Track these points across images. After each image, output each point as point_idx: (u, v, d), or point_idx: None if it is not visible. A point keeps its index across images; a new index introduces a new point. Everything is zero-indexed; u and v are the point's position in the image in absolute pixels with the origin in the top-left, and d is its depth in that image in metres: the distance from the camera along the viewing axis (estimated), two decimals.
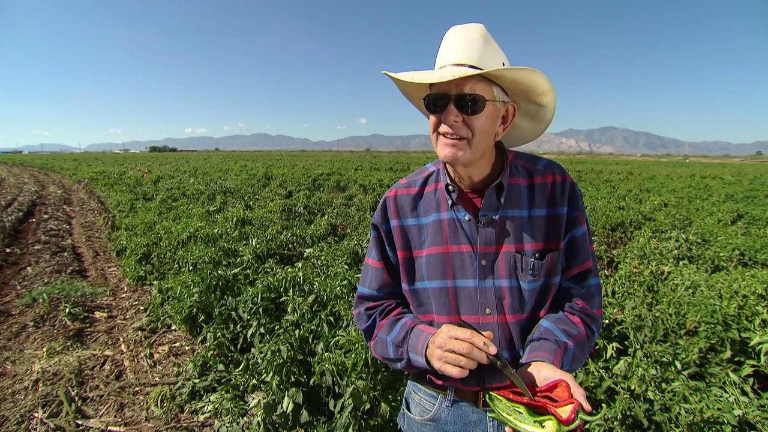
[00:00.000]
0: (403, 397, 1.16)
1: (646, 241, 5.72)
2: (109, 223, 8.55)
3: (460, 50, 0.88)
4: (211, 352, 2.78)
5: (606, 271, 4.89)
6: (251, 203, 10.15)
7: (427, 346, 0.90)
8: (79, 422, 2.54)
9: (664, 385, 2.33)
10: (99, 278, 5.36)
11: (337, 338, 1.94)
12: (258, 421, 1.99)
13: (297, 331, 2.22)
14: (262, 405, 1.99)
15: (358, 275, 3.73)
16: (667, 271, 4.48)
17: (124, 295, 4.72)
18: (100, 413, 2.65)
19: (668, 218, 7.51)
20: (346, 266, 4.24)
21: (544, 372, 0.81)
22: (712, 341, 2.93)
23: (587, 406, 0.72)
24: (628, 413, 2.24)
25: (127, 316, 4.15)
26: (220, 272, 3.26)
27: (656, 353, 2.68)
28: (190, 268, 3.82)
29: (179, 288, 3.32)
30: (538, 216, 0.96)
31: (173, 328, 3.69)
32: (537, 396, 0.77)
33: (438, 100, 0.88)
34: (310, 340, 2.21)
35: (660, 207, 9.48)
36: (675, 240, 5.70)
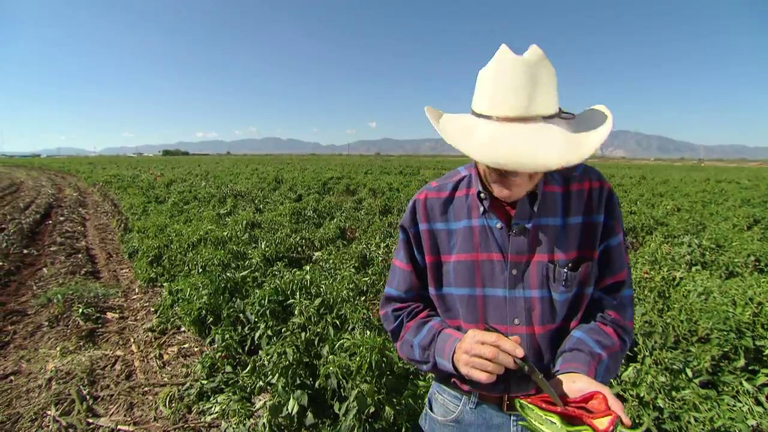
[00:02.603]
0: (426, 398, 1.15)
1: (657, 246, 5.64)
2: (122, 225, 8.71)
3: (515, 99, 0.76)
4: (219, 353, 2.82)
5: None
6: (261, 206, 10.25)
7: (454, 351, 0.88)
8: (90, 421, 2.59)
9: (674, 393, 2.29)
10: (111, 280, 5.46)
11: (342, 341, 1.95)
12: (264, 423, 2.01)
13: (303, 334, 2.24)
14: (267, 407, 2.00)
15: (365, 279, 3.75)
16: (679, 276, 4.40)
17: (135, 297, 4.80)
18: (111, 412, 2.70)
19: (681, 223, 7.38)
20: (353, 270, 4.26)
21: (579, 384, 0.78)
22: (725, 349, 2.87)
23: (627, 420, 0.69)
24: (636, 421, 2.21)
25: (138, 317, 4.22)
26: (228, 275, 3.30)
27: (666, 360, 2.64)
28: (200, 270, 3.87)
29: (189, 290, 3.37)
30: (573, 225, 0.92)
31: (182, 329, 3.74)
32: (571, 406, 0.74)
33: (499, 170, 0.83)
34: (316, 343, 2.23)
35: (673, 212, 9.32)
36: (688, 245, 5.60)
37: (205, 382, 2.72)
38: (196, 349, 3.41)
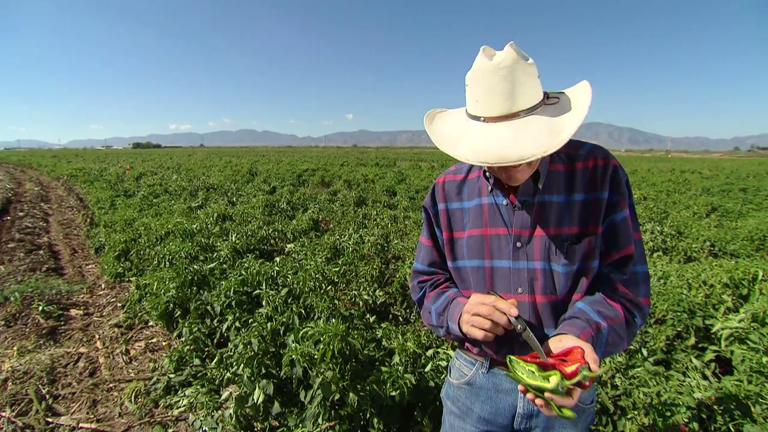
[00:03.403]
0: (448, 366, 1.25)
1: None
2: (89, 220, 8.40)
3: (500, 100, 0.83)
4: (187, 346, 2.77)
5: None
6: (234, 199, 10.07)
7: (461, 315, 0.97)
8: (50, 420, 2.51)
9: (629, 372, 2.40)
10: (76, 276, 5.27)
11: (306, 330, 1.95)
12: (230, 414, 2.00)
13: (269, 324, 2.23)
14: (234, 397, 1.99)
15: (336, 269, 3.76)
16: None
17: (101, 293, 4.66)
18: (72, 411, 2.62)
19: (646, 211, 7.67)
20: (325, 260, 4.25)
21: (564, 342, 0.84)
22: (679, 329, 3.02)
23: (594, 367, 0.76)
24: (596, 399, 2.31)
25: (104, 313, 4.09)
26: (195, 267, 3.24)
27: None
28: (167, 263, 3.78)
29: (156, 284, 3.28)
30: (576, 201, 0.96)
31: (150, 324, 3.66)
32: (552, 358, 0.81)
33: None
34: (281, 333, 2.22)
35: (640, 200, 9.68)
36: (651, 232, 5.84)
37: (172, 375, 2.68)
38: (164, 344, 3.34)
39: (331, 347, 1.77)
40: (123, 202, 9.10)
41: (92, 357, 3.28)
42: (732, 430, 1.94)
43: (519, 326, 0.87)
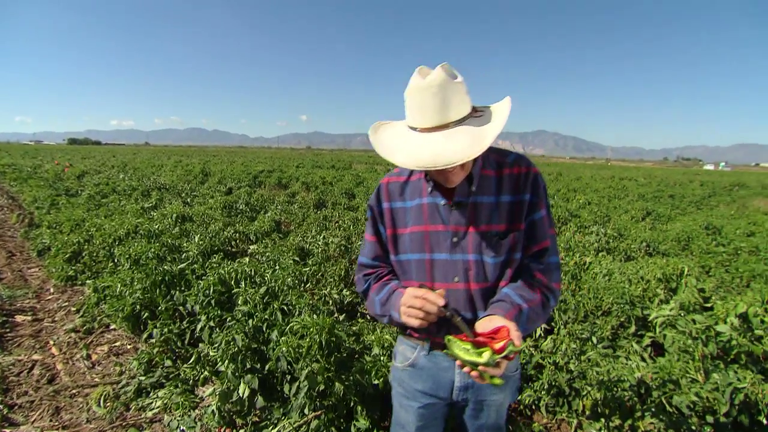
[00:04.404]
0: (393, 351, 1.35)
1: (571, 236, 6.33)
2: (26, 220, 7.77)
3: (433, 113, 0.96)
4: (158, 348, 2.72)
5: None
6: (189, 200, 9.73)
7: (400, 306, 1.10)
8: (7, 431, 2.38)
9: (582, 357, 2.68)
10: (17, 280, 4.89)
11: (292, 324, 2.02)
12: (213, 410, 2.02)
13: (251, 321, 2.27)
14: (216, 393, 2.02)
15: (306, 269, 3.82)
16: (588, 261, 5.02)
17: (50, 297, 4.37)
18: (33, 419, 2.50)
19: (591, 215, 8.31)
20: (293, 261, 4.29)
21: (493, 322, 0.99)
22: (622, 319, 3.38)
23: (518, 342, 0.92)
24: (553, 383, 2.55)
25: (57, 318, 3.86)
26: (166, 267, 3.16)
27: (577, 331, 3.05)
28: (131, 264, 3.65)
29: (119, 285, 3.17)
30: (504, 202, 1.12)
31: (112, 327, 3.51)
32: (483, 337, 0.96)
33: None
34: (264, 329, 2.27)
35: (584, 205, 10.42)
36: (596, 234, 6.37)
37: (143, 378, 2.62)
38: (129, 347, 3.23)
39: (318, 339, 1.86)
40: (67, 201, 8.51)
41: (48, 364, 3.11)
42: (664, 401, 2.24)
43: (448, 313, 1.02)
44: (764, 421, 1.95)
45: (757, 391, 2.05)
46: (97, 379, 2.85)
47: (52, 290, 4.53)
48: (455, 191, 1.11)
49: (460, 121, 0.98)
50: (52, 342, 3.39)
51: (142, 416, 2.43)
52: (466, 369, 0.93)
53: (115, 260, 4.18)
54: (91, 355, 3.17)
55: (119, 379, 2.77)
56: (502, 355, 0.90)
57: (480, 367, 0.91)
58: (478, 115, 1.02)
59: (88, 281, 4.18)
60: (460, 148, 0.93)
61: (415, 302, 1.03)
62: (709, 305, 3.43)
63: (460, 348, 0.94)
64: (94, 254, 4.79)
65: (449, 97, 0.95)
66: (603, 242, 5.94)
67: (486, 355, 0.90)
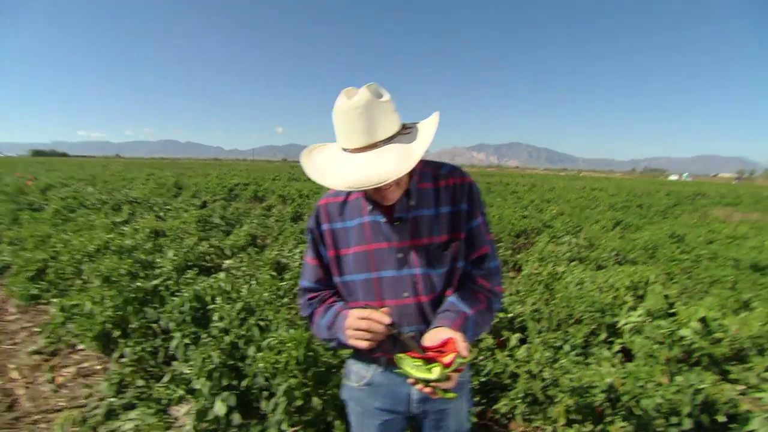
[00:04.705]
0: (345, 372, 1.34)
1: (545, 246, 6.51)
2: None
3: (361, 134, 0.97)
4: (130, 367, 2.64)
5: (511, 274, 5.49)
6: (162, 214, 9.49)
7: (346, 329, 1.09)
8: None
9: (555, 365, 2.75)
10: None
11: (269, 339, 2.01)
12: (188, 430, 1.97)
13: (227, 337, 2.24)
14: (192, 412, 1.97)
15: (283, 284, 3.79)
16: (561, 270, 5.17)
17: (11, 318, 4.16)
18: None
19: (563, 225, 8.55)
20: (269, 276, 4.24)
21: (442, 333, 1.01)
22: (593, 327, 3.50)
23: (465, 353, 0.94)
24: (528, 391, 2.61)
25: (18, 340, 3.68)
26: (139, 284, 3.08)
27: (551, 340, 3.14)
28: (102, 281, 3.53)
29: (89, 304, 3.07)
30: (443, 213, 1.14)
31: (80, 347, 3.37)
32: (432, 352, 0.98)
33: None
34: (240, 345, 2.24)
35: (557, 215, 10.71)
36: (568, 244, 6.57)
37: (113, 399, 2.53)
38: (98, 367, 3.11)
39: (295, 354, 1.86)
40: (30, 216, 8.17)
41: (8, 389, 2.95)
42: (632, 404, 2.33)
43: (395, 331, 1.03)
44: (723, 419, 2.06)
45: (716, 391, 2.17)
46: (62, 403, 2.72)
47: (13, 310, 4.32)
48: (395, 207, 1.13)
49: (389, 140, 0.99)
50: (12, 365, 3.22)
51: None
52: (418, 386, 0.94)
53: (84, 278, 4.03)
54: (56, 378, 3.04)
55: (87, 402, 2.67)
56: (452, 369, 0.92)
57: (432, 383, 0.93)
58: (406, 132, 1.03)
59: (53, 300, 4.01)
60: (391, 166, 0.94)
61: (360, 324, 1.03)
62: (673, 311, 3.60)
63: (411, 365, 0.96)
64: (61, 271, 4.61)
65: (376, 117, 0.96)
66: (575, 252, 6.13)
67: (436, 371, 0.92)
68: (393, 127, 1.00)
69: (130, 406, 2.52)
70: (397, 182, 1.05)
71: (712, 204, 17.86)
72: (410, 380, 0.95)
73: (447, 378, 0.92)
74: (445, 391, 0.94)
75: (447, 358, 0.93)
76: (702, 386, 2.18)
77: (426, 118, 1.10)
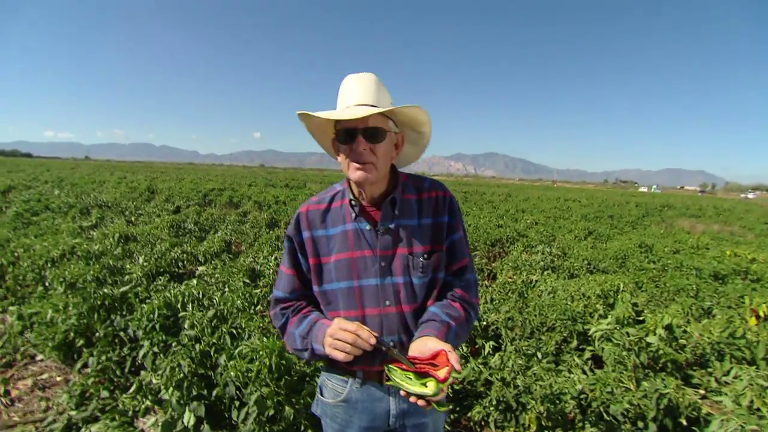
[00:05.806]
0: (318, 386, 1.30)
1: (519, 255, 6.63)
2: None
3: (360, 94, 1.10)
4: (93, 378, 2.52)
5: (486, 282, 5.56)
6: (134, 219, 9.20)
7: (324, 337, 1.06)
8: None
9: (528, 372, 2.80)
10: None
11: (241, 348, 1.96)
12: None
13: (198, 346, 2.17)
14: (159, 423, 1.90)
15: (257, 291, 3.72)
16: (534, 279, 5.28)
17: None
18: None
19: (538, 235, 8.74)
20: (243, 283, 4.16)
21: (430, 344, 1.00)
22: (565, 334, 3.57)
23: (458, 367, 0.94)
24: (501, 399, 2.63)
25: None
26: (106, 291, 2.96)
27: (524, 347, 3.19)
28: (66, 288, 3.37)
29: (50, 311, 2.92)
30: (425, 224, 1.17)
31: (39, 358, 3.20)
32: (423, 364, 0.97)
33: (349, 133, 1.08)
34: (212, 354, 2.17)
35: (532, 225, 10.94)
36: (542, 253, 6.71)
37: (73, 412, 2.40)
38: (59, 379, 2.96)
39: (267, 363, 1.82)
40: None
41: None
42: (602, 410, 2.39)
43: (384, 348, 0.99)
44: (684, 423, 2.14)
45: (679, 395, 2.25)
46: (16, 418, 2.57)
47: None
48: (380, 216, 1.16)
49: (377, 106, 1.10)
50: None
51: None
52: (412, 399, 0.93)
53: (47, 284, 3.85)
54: (10, 390, 2.87)
55: (44, 416, 2.53)
56: (447, 383, 0.91)
57: (427, 398, 0.92)
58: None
59: (11, 308, 3.80)
60: (377, 108, 1.06)
61: (345, 336, 1.00)
62: (641, 318, 3.72)
63: (403, 378, 0.95)
64: (20, 278, 4.39)
65: (380, 91, 1.12)
66: (548, 261, 6.26)
67: (432, 387, 0.91)
68: (385, 102, 1.14)
69: (92, 419, 2.40)
70: (375, 154, 1.09)
71: (678, 215, 18.65)
72: (403, 393, 0.94)
73: (441, 391, 0.92)
74: (438, 404, 0.93)
75: (441, 372, 0.92)
76: (666, 391, 2.26)
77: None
